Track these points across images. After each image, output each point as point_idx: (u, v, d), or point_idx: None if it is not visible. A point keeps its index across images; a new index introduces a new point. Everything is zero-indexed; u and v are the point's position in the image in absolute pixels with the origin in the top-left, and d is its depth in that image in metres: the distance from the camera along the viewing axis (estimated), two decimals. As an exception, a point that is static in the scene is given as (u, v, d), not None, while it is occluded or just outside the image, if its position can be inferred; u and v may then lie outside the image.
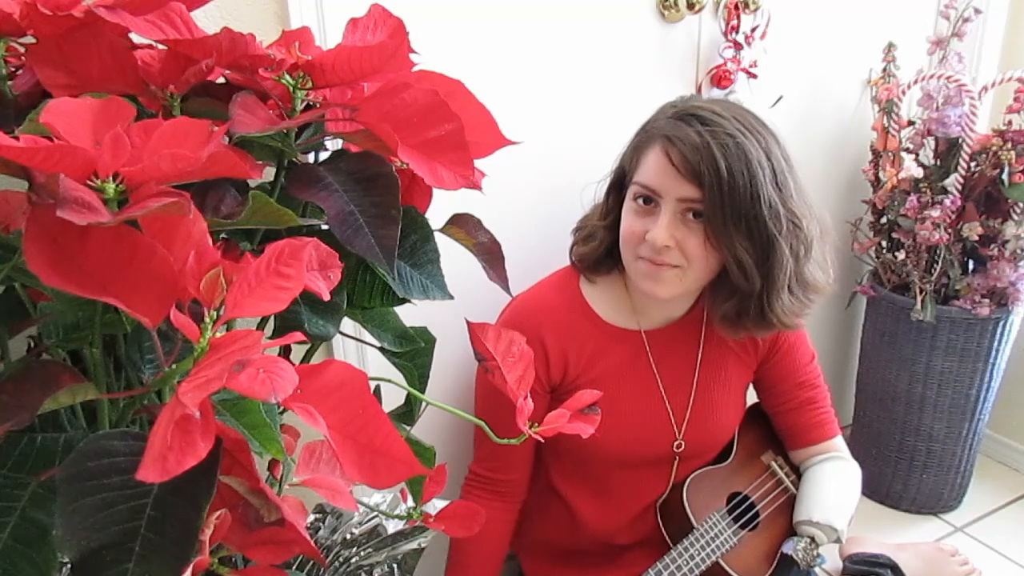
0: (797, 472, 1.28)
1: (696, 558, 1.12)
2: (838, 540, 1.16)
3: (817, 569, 1.20)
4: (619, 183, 1.07)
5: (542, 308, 1.11)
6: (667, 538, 1.17)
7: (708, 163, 0.92)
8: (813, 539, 1.15)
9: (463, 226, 0.78)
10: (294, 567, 0.85)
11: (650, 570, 1.11)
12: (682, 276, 1.00)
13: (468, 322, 0.67)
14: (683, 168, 0.94)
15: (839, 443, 1.25)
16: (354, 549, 0.91)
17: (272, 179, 0.65)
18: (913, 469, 1.73)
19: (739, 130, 0.93)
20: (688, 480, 1.17)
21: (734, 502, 1.21)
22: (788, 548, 1.17)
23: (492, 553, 1.19)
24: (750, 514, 1.21)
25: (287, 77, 0.61)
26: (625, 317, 1.13)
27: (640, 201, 1.00)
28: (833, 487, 1.20)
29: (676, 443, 1.16)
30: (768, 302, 1.00)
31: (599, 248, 1.09)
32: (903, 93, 1.57)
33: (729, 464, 1.23)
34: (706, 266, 1.00)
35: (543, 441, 0.65)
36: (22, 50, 0.60)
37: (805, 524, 1.16)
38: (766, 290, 0.99)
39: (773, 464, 1.27)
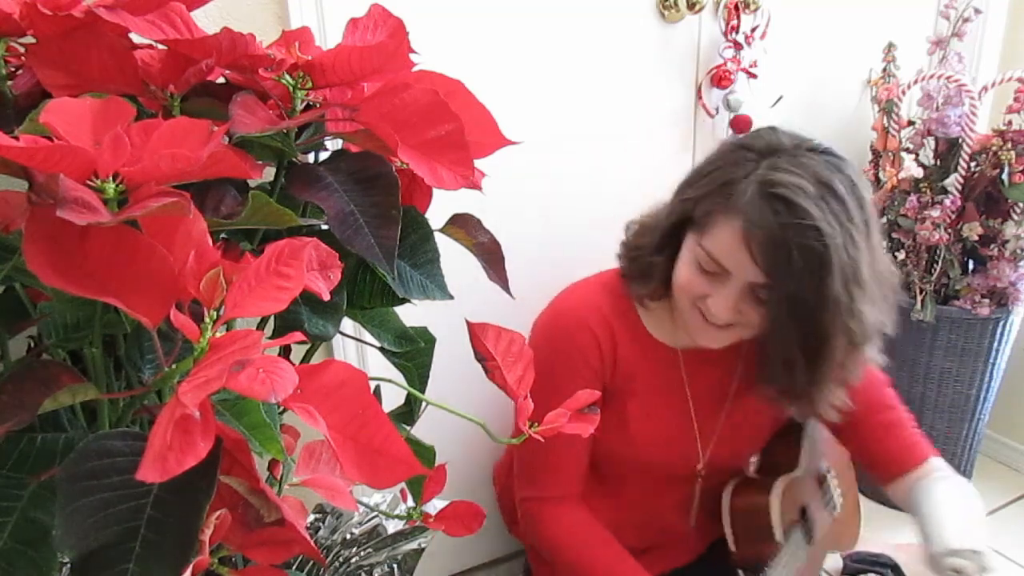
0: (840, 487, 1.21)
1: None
2: (984, 568, 1.00)
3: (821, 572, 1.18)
4: (681, 222, 0.99)
5: (592, 307, 1.07)
6: (731, 537, 1.11)
7: (783, 260, 0.86)
8: (958, 572, 1.00)
9: (463, 226, 0.78)
10: (294, 567, 0.85)
11: None
12: (738, 332, 0.98)
13: (468, 322, 0.67)
14: (760, 258, 0.87)
15: (939, 463, 1.10)
16: (354, 549, 0.91)
17: (272, 179, 0.65)
18: (913, 469, 1.73)
19: (824, 217, 0.85)
20: (774, 488, 1.09)
21: (804, 515, 1.14)
22: None
23: (610, 538, 1.12)
24: (812, 527, 1.15)
25: (287, 77, 0.61)
26: (665, 333, 1.10)
27: (704, 266, 0.94)
28: (956, 508, 1.06)
29: (699, 467, 1.13)
30: (810, 395, 0.97)
31: (660, 288, 1.03)
32: (903, 93, 1.57)
33: (799, 474, 1.14)
34: (764, 328, 0.96)
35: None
36: (22, 50, 0.60)
37: (945, 556, 1.01)
38: (810, 385, 0.96)
39: (829, 476, 1.21)
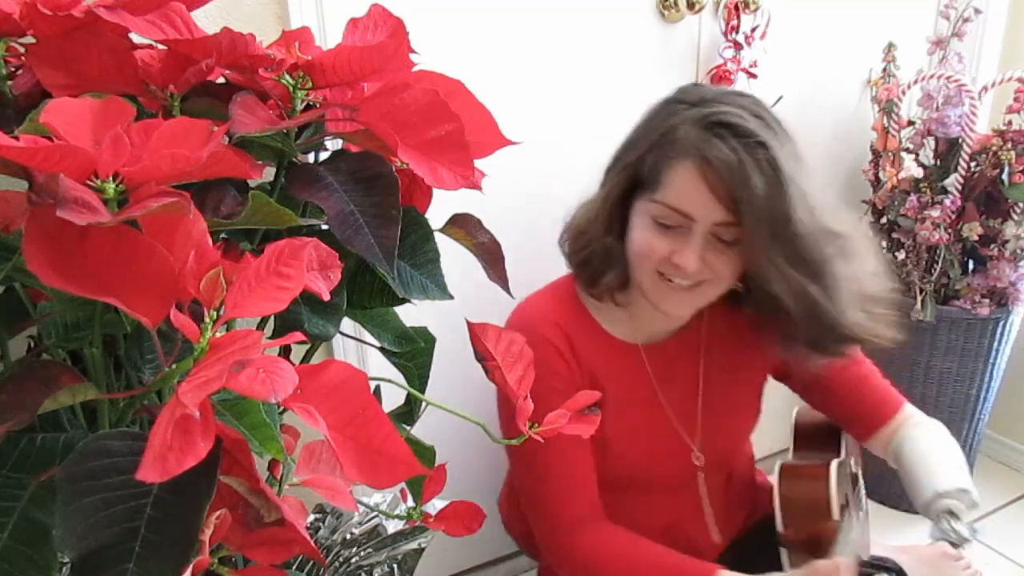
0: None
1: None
2: (974, 503, 1.03)
3: None
4: (626, 192, 0.96)
5: (540, 317, 1.03)
6: (780, 518, 1.06)
7: (742, 183, 0.85)
8: (951, 512, 1.02)
9: (463, 226, 0.78)
10: (294, 567, 0.85)
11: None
12: (706, 292, 0.95)
13: (468, 322, 0.67)
14: (721, 191, 0.86)
15: (911, 409, 1.12)
16: (354, 549, 0.92)
17: (272, 179, 0.65)
18: (913, 469, 1.73)
19: (768, 138, 0.86)
20: (831, 467, 1.07)
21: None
22: (936, 535, 1.04)
23: (661, 550, 1.03)
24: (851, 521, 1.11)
25: (287, 77, 0.61)
26: (623, 329, 1.06)
27: (663, 221, 0.91)
28: (937, 451, 1.07)
29: (694, 456, 1.10)
30: (838, 323, 0.92)
31: (624, 272, 0.99)
32: (903, 93, 1.57)
33: (844, 459, 1.12)
34: (731, 281, 0.95)
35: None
36: (22, 50, 0.60)
37: (934, 500, 1.02)
38: (834, 312, 0.91)
39: (860, 478, 1.18)
